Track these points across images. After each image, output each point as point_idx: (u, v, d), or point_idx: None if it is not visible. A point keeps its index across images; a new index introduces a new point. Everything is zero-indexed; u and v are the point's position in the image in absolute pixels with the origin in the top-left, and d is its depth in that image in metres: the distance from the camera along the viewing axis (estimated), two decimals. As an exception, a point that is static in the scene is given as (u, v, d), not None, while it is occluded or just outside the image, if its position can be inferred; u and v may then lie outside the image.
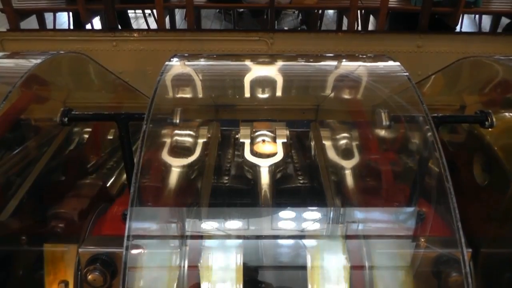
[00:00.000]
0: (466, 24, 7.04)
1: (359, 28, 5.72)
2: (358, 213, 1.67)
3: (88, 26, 5.28)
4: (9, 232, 1.68)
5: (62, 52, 2.01)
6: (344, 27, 5.58)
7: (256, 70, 2.25)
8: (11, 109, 1.67)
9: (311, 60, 2.68)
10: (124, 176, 2.03)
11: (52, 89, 2.12)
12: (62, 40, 4.18)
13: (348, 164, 2.01)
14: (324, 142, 2.18)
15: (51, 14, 6.08)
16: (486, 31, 5.97)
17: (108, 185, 2.12)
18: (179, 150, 2.01)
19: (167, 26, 5.21)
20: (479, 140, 1.86)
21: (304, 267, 1.46)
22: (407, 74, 1.73)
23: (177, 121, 1.62)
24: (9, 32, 4.25)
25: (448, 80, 2.52)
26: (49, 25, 5.71)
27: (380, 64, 2.21)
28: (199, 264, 1.44)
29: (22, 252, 1.67)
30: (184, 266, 1.44)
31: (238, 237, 1.51)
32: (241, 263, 1.44)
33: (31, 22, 5.09)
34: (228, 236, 1.52)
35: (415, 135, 1.77)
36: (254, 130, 2.08)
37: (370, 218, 1.69)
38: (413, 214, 1.57)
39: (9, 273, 1.67)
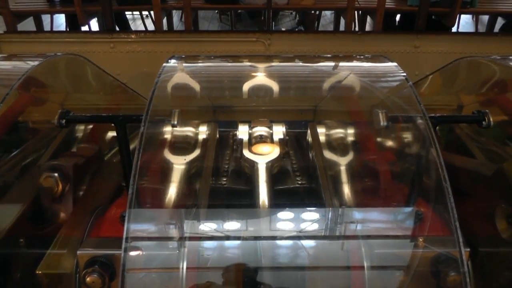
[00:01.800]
0: (463, 24, 7.05)
1: (356, 28, 5.73)
2: (357, 213, 1.67)
3: (85, 28, 5.28)
4: (7, 234, 1.67)
5: (59, 54, 2.01)
6: (342, 28, 5.59)
7: (253, 71, 2.25)
8: (8, 111, 1.67)
9: (309, 61, 2.69)
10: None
11: (49, 91, 2.12)
12: (60, 42, 4.17)
13: (346, 165, 2.01)
14: (322, 142, 2.19)
15: (48, 16, 6.07)
16: (483, 31, 5.98)
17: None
18: (177, 152, 2.01)
19: (165, 27, 5.21)
20: (505, 186, 1.74)
21: (302, 268, 1.46)
22: (404, 74, 1.74)
23: (175, 122, 1.62)
24: (6, 34, 4.24)
25: (446, 80, 2.53)
26: (46, 27, 5.70)
27: (377, 64, 2.22)
28: (197, 266, 1.44)
29: (20, 255, 1.67)
30: (182, 268, 1.44)
31: (237, 238, 1.51)
32: (240, 264, 1.44)
33: (28, 24, 5.08)
34: (227, 237, 1.52)
35: (412, 135, 1.78)
36: (252, 126, 2.09)
37: (369, 218, 1.69)
38: (411, 214, 1.58)
39: (7, 276, 1.67)
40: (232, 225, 1.57)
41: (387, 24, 5.87)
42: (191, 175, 1.92)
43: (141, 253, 1.38)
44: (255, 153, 1.93)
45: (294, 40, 4.26)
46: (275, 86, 2.33)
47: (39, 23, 5.20)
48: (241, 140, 2.02)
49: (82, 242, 1.59)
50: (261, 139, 2.06)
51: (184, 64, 2.12)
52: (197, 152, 2.06)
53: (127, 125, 1.63)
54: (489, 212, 1.75)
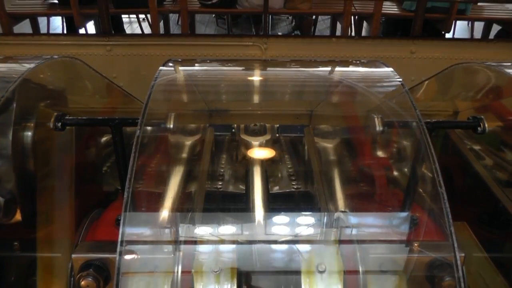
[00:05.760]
0: (458, 30, 7.10)
1: (353, 33, 5.75)
2: (352, 218, 1.67)
3: (82, 31, 5.27)
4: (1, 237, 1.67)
5: (55, 57, 2.00)
6: (338, 33, 5.61)
7: (250, 75, 2.26)
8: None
9: (305, 65, 2.69)
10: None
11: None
12: (56, 44, 4.16)
13: (341, 169, 2.02)
14: (318, 147, 2.19)
15: (45, 18, 6.06)
16: (478, 38, 6.02)
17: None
18: (173, 155, 2.01)
19: (161, 31, 5.21)
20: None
21: (298, 272, 1.46)
22: (400, 79, 1.75)
23: (171, 126, 1.62)
24: (2, 37, 4.23)
25: (441, 86, 2.54)
26: (43, 30, 5.70)
27: (373, 69, 2.23)
28: (192, 270, 1.43)
29: (14, 258, 1.66)
30: (177, 272, 1.43)
31: (232, 242, 1.51)
32: (235, 269, 1.43)
33: (25, 27, 5.07)
34: (222, 241, 1.51)
35: (408, 140, 1.78)
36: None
37: (364, 223, 1.69)
38: (407, 218, 1.58)
39: (1, 279, 1.66)
40: (227, 229, 1.57)
41: (389, 29, 5.92)
42: (187, 178, 1.92)
43: (136, 256, 1.37)
44: (250, 135, 2.04)
45: (291, 45, 4.27)
46: (271, 90, 2.33)
47: (35, 25, 5.19)
48: (238, 126, 2.09)
49: (77, 246, 1.58)
50: (255, 125, 2.11)
51: (181, 68, 2.12)
52: (192, 156, 2.06)
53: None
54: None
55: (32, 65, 1.77)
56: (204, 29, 7.90)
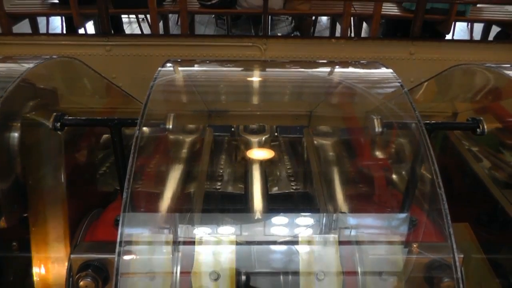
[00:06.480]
0: (457, 31, 7.10)
1: (352, 34, 5.75)
2: (351, 219, 1.67)
3: (81, 31, 5.27)
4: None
5: (55, 57, 2.00)
6: (338, 34, 5.61)
7: (249, 76, 2.26)
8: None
9: (304, 66, 2.69)
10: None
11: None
12: (55, 44, 4.17)
13: (341, 170, 2.02)
14: (317, 148, 2.19)
15: (44, 18, 6.06)
16: (478, 39, 6.03)
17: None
18: (172, 156, 2.01)
19: (161, 31, 5.21)
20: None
21: (297, 273, 1.46)
22: (399, 80, 1.75)
23: (170, 126, 1.62)
24: (1, 36, 4.23)
25: (440, 87, 2.54)
26: (42, 30, 5.69)
27: (373, 70, 2.23)
28: (191, 270, 1.43)
29: (13, 258, 1.66)
30: (176, 272, 1.43)
31: (231, 243, 1.51)
32: (234, 269, 1.43)
33: (24, 27, 5.07)
34: (221, 242, 1.51)
35: (407, 141, 1.79)
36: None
37: (363, 224, 1.69)
38: (406, 220, 1.58)
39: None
40: (226, 230, 1.57)
41: (388, 30, 5.92)
42: (186, 179, 1.92)
43: (135, 257, 1.37)
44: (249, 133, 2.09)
45: (290, 45, 4.27)
46: (270, 91, 2.33)
47: (34, 25, 5.19)
48: (238, 127, 2.10)
49: (75, 246, 1.58)
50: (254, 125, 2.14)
51: (180, 68, 2.12)
52: (191, 156, 2.06)
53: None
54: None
55: (31, 65, 1.77)
56: (204, 29, 7.90)
